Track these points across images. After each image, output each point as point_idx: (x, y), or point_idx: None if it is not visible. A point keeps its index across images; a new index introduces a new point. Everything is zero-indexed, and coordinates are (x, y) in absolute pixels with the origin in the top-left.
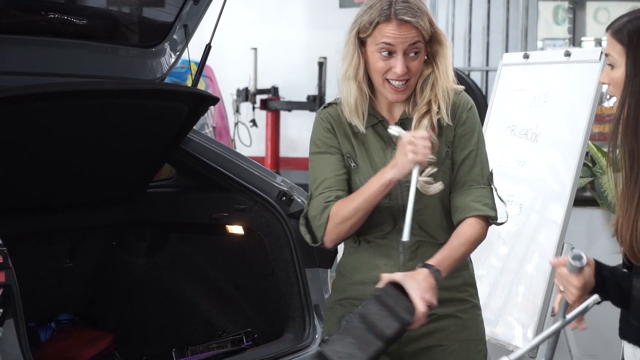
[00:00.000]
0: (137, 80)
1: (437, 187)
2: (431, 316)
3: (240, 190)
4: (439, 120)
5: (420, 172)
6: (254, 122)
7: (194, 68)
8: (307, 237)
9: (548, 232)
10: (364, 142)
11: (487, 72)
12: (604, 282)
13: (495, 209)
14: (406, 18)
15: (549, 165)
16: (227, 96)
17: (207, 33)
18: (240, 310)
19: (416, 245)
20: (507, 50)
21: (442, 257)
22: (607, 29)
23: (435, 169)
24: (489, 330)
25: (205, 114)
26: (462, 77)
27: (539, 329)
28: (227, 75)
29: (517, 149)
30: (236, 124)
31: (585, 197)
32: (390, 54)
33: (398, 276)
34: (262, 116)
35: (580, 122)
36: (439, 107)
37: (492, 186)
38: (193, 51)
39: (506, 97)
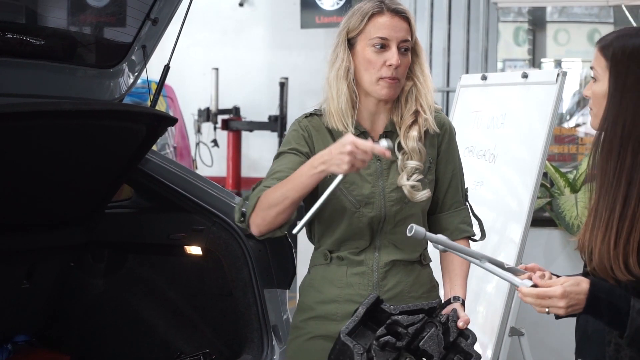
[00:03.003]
0: (95, 100)
1: (425, 194)
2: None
3: (198, 210)
4: (426, 131)
5: (408, 178)
6: (215, 142)
7: (155, 88)
8: (236, 215)
9: (507, 251)
10: None
11: (447, 92)
12: (598, 302)
13: (472, 227)
14: (399, 8)
15: (507, 186)
16: (189, 116)
17: (169, 54)
18: (198, 331)
19: (390, 265)
20: (467, 71)
21: (464, 288)
22: (597, 43)
23: (421, 176)
24: None
25: (166, 134)
26: None
27: (497, 348)
28: (189, 95)
29: (475, 170)
30: (197, 144)
31: (543, 218)
32: (384, 47)
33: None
34: (223, 136)
35: (538, 142)
36: (425, 119)
37: (468, 203)
38: (155, 71)
39: (464, 118)
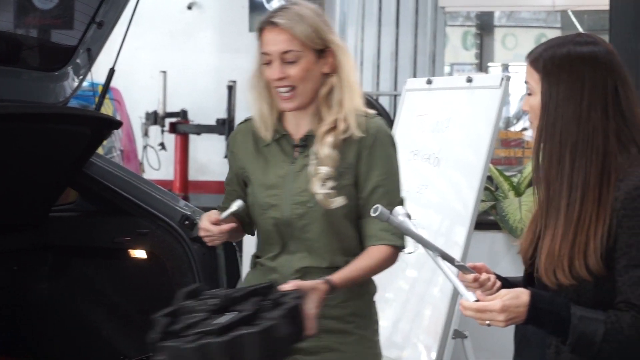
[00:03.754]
0: (40, 104)
1: (339, 201)
2: (313, 347)
3: (143, 214)
4: (350, 136)
5: (322, 185)
6: (162, 145)
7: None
8: None
9: (451, 254)
10: (266, 155)
11: (395, 96)
12: (539, 312)
13: (403, 238)
14: (275, 20)
15: (452, 189)
16: (136, 119)
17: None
18: (143, 334)
19: (303, 272)
20: (415, 75)
21: (344, 277)
22: (527, 57)
23: (334, 183)
24: (397, 354)
25: (113, 137)
26: (370, 102)
27: (441, 351)
28: (136, 98)
29: (420, 173)
30: (145, 147)
31: (488, 221)
32: (270, 62)
33: (306, 286)
34: (171, 139)
35: (482, 146)
36: (347, 125)
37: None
38: (102, 74)
39: (410, 121)
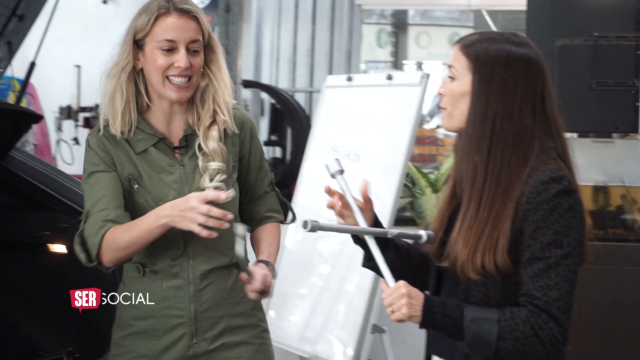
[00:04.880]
0: None
1: (230, 194)
2: (225, 345)
3: (62, 208)
4: (224, 130)
5: (211, 180)
6: (76, 140)
7: (17, 85)
8: (82, 256)
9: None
10: (149, 161)
11: (311, 93)
12: (433, 316)
13: (282, 213)
14: (186, 7)
15: (371, 186)
16: (49, 113)
17: (30, 50)
18: (63, 329)
19: (207, 275)
20: (331, 72)
21: (269, 253)
22: (457, 42)
23: (224, 176)
24: (311, 348)
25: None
26: (286, 98)
27: (359, 346)
28: (50, 93)
29: None
30: (58, 141)
31: (405, 217)
32: (172, 49)
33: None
34: (84, 134)
35: (401, 143)
36: (223, 119)
37: (276, 191)
38: (16, 68)
39: (329, 118)
